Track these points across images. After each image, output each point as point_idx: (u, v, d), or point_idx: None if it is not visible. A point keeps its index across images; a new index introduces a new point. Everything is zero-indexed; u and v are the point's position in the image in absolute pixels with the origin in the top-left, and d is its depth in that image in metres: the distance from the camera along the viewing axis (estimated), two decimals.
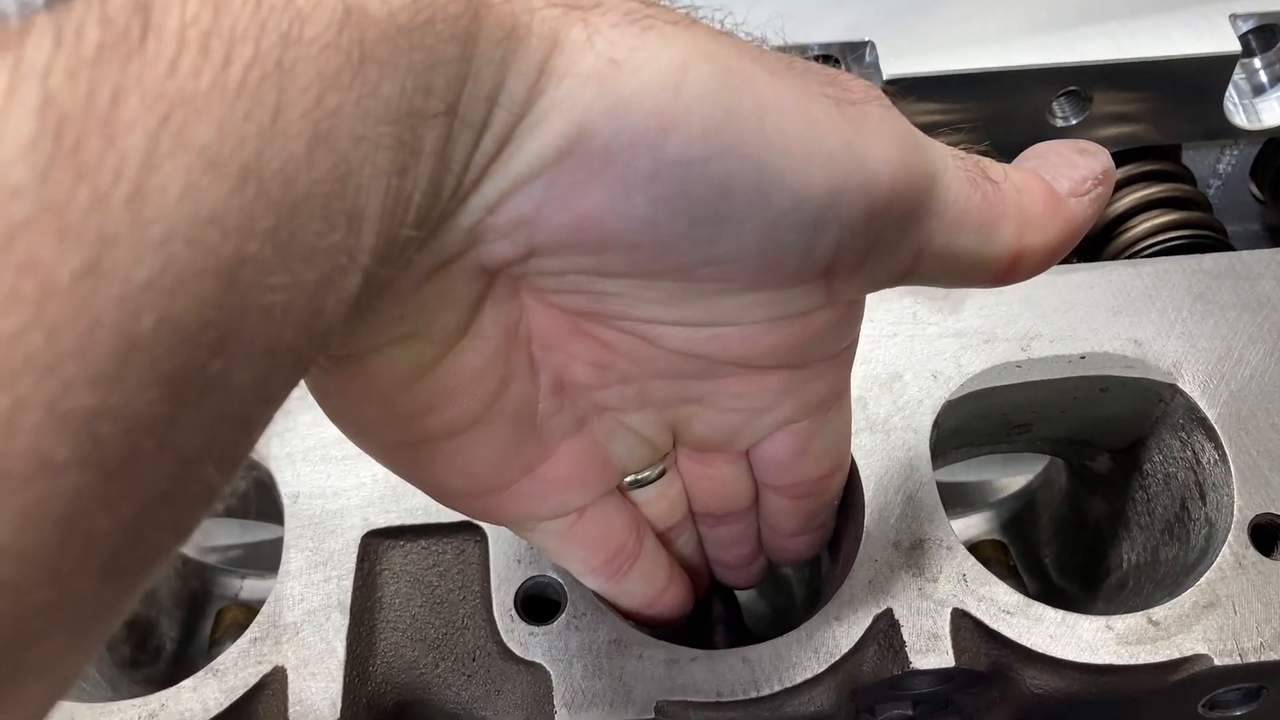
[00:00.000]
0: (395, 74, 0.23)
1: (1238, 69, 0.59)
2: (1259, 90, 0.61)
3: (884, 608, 0.44)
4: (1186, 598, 0.44)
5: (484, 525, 0.46)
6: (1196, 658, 0.43)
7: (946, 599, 0.44)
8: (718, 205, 0.28)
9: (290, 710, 0.42)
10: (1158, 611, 0.43)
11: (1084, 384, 0.50)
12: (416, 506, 0.47)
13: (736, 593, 0.52)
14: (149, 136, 0.19)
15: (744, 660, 0.43)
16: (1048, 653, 0.43)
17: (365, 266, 0.24)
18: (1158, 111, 0.59)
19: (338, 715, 0.42)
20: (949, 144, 0.33)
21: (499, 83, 0.26)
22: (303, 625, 0.44)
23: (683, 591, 0.44)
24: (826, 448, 0.40)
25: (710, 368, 0.35)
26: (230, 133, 0.20)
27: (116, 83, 0.19)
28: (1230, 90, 0.59)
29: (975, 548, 0.62)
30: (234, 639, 0.45)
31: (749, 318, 0.33)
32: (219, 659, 0.43)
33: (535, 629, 0.44)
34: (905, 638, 0.43)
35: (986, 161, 0.33)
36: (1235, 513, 0.45)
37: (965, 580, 0.44)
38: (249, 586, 0.61)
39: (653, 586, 0.43)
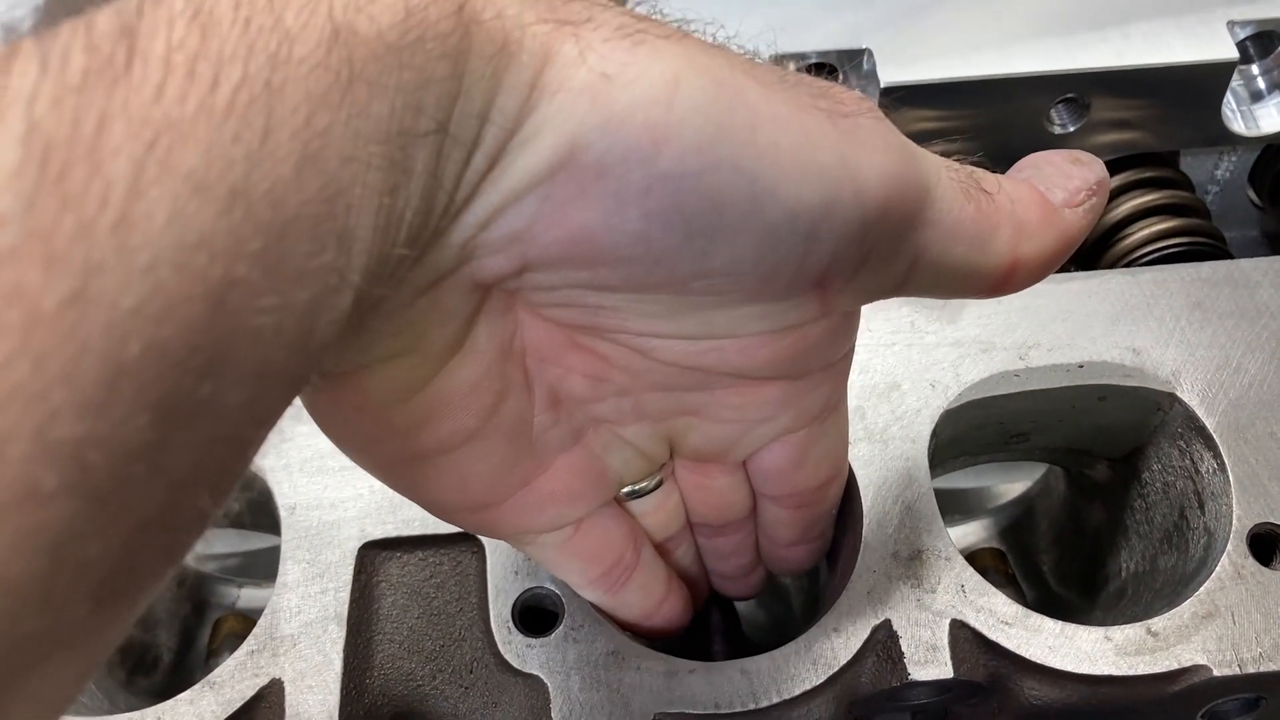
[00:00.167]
0: (385, 93, 0.23)
1: (1236, 75, 0.59)
2: (1257, 97, 0.61)
3: (882, 618, 0.44)
4: (1185, 608, 0.44)
5: (481, 537, 0.46)
6: (1195, 668, 0.42)
7: (945, 610, 0.44)
8: (711, 218, 0.28)
9: None
10: (1156, 622, 0.43)
11: (1082, 393, 0.50)
12: (413, 518, 0.47)
13: (735, 603, 0.52)
14: (135, 163, 0.19)
15: (742, 672, 0.42)
16: (1046, 663, 0.43)
17: (357, 286, 0.24)
18: (1156, 118, 0.59)
19: None
20: (942, 155, 0.33)
21: (490, 100, 0.26)
22: (300, 637, 0.44)
23: (681, 603, 0.44)
24: (824, 457, 0.40)
25: (706, 380, 0.35)
26: (218, 156, 0.20)
27: (102, 109, 0.19)
28: (1228, 97, 0.59)
29: (973, 556, 0.62)
30: (232, 649, 0.45)
31: (745, 330, 0.33)
32: (216, 671, 0.43)
33: (533, 641, 0.44)
34: (904, 649, 0.43)
35: (980, 172, 0.33)
36: (1234, 522, 0.45)
37: (964, 591, 0.44)
38: (246, 595, 0.61)
39: (651, 598, 0.43)
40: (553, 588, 0.45)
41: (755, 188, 0.28)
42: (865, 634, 0.43)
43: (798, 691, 0.42)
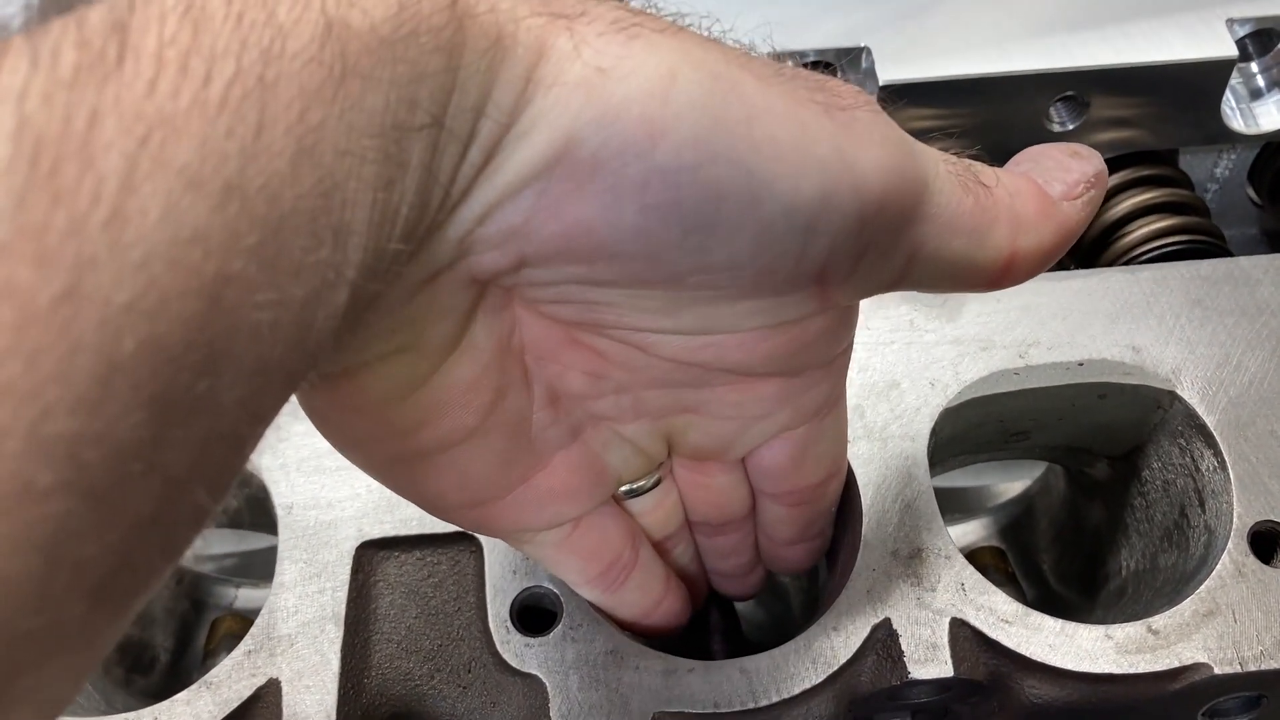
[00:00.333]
0: (379, 87, 0.23)
1: (1235, 73, 0.59)
2: (1256, 95, 0.61)
3: (882, 617, 0.43)
4: (1186, 606, 0.43)
5: (479, 536, 0.46)
6: (1196, 666, 0.42)
7: (945, 608, 0.44)
8: (709, 212, 0.28)
9: None
10: (1157, 620, 0.43)
11: (1082, 391, 0.50)
12: (411, 517, 0.46)
13: (734, 602, 0.52)
14: (127, 158, 0.19)
15: (741, 671, 0.42)
16: (1047, 662, 0.42)
17: (353, 281, 0.24)
18: (1155, 116, 0.59)
19: None
20: (939, 149, 0.33)
21: (485, 94, 0.26)
22: (297, 637, 0.44)
23: (680, 601, 0.44)
24: (823, 454, 0.40)
25: (705, 376, 0.35)
26: (212, 151, 0.20)
27: (93, 105, 0.19)
28: (1227, 95, 0.59)
29: (973, 554, 0.62)
30: (229, 650, 0.44)
31: (743, 325, 0.33)
32: (213, 671, 0.43)
33: (531, 640, 0.44)
34: (904, 647, 0.43)
35: (978, 165, 0.33)
36: (1235, 520, 0.45)
37: (964, 589, 0.44)
38: (244, 595, 0.61)
39: (649, 597, 0.43)
40: (551, 587, 0.45)
41: (752, 181, 0.28)
42: (865, 633, 0.43)
43: (797, 690, 0.42)
